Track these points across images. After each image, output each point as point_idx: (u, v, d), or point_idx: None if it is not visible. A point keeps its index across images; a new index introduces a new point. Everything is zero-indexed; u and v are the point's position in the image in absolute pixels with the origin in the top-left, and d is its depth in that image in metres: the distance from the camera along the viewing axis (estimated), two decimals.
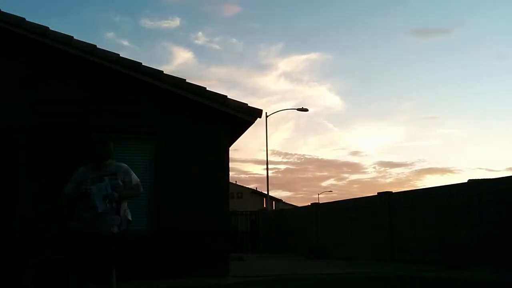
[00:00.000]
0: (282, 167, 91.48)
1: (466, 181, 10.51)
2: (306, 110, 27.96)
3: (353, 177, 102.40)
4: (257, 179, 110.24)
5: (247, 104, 8.27)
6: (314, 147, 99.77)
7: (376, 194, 13.39)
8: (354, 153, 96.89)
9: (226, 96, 8.19)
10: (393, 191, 12.95)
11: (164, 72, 8.02)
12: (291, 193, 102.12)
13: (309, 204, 18.14)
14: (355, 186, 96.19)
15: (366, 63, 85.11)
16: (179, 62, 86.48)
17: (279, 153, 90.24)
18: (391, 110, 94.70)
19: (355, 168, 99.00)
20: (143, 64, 7.90)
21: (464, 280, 7.19)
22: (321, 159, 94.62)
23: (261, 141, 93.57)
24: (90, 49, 7.72)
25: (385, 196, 12.84)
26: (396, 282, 7.09)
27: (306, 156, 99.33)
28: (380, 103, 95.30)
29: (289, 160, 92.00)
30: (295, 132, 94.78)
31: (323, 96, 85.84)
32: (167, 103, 8.24)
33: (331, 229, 15.64)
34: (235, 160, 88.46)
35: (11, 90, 7.55)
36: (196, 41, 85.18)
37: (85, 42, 7.74)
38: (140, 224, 7.72)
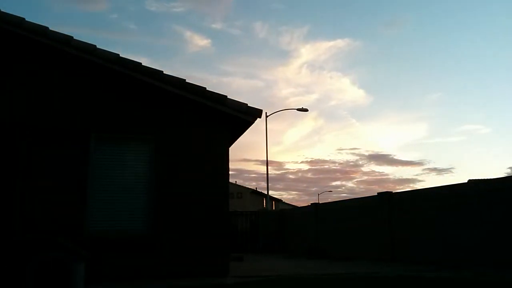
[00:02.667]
0: (305, 167, 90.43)
1: (466, 181, 10.52)
2: (306, 110, 28.13)
3: (369, 177, 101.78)
4: (271, 179, 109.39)
5: (246, 104, 8.28)
6: (334, 144, 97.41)
7: (376, 194, 13.38)
8: (374, 151, 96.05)
9: (226, 96, 8.21)
10: (393, 191, 12.96)
11: (163, 72, 8.03)
12: (301, 192, 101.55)
13: (309, 204, 18.12)
14: (370, 186, 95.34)
15: (395, 52, 79.81)
16: (193, 50, 79.21)
17: (298, 154, 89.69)
18: (416, 103, 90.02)
19: (371, 167, 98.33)
20: (143, 64, 7.93)
21: (464, 280, 7.19)
22: (339, 158, 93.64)
23: (278, 139, 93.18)
24: (90, 49, 7.73)
25: (385, 196, 12.83)
26: (396, 282, 7.09)
27: (325, 156, 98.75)
28: (406, 96, 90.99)
29: (311, 159, 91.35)
30: (315, 128, 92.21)
31: (346, 89, 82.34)
32: (167, 103, 8.25)
33: (331, 229, 15.63)
34: (249, 160, 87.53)
35: (11, 90, 7.56)
36: (214, 26, 77.27)
37: (84, 42, 7.75)
38: (140, 224, 7.74)
